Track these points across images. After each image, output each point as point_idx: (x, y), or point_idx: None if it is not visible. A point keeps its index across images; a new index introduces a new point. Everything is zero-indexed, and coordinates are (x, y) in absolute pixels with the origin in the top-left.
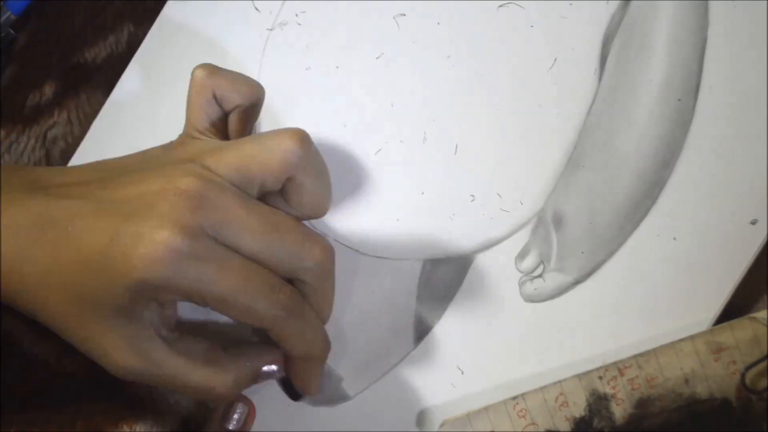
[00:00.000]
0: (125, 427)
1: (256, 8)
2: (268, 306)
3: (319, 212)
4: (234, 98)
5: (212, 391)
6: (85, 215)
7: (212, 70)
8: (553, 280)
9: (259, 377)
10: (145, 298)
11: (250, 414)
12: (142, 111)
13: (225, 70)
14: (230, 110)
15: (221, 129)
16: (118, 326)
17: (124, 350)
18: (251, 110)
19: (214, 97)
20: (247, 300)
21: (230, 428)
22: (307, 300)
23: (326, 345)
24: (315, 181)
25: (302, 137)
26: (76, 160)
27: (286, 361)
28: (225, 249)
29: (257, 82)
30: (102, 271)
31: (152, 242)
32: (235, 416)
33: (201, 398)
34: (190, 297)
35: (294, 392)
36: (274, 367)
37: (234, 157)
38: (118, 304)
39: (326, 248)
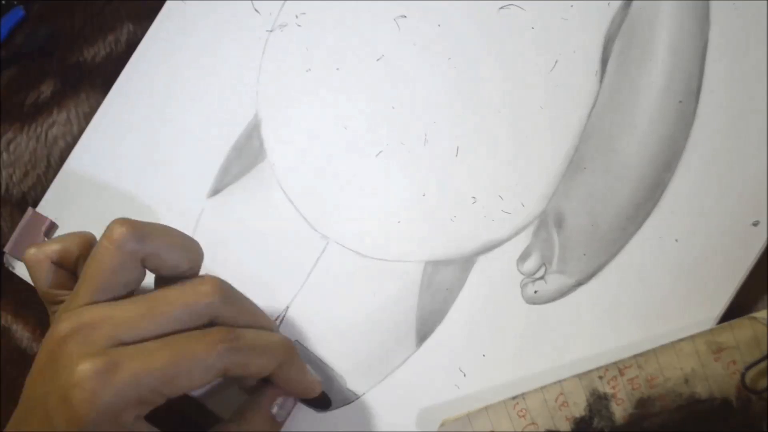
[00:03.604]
0: None
1: (256, 10)
2: (213, 356)
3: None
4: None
5: None
6: None
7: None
8: (554, 282)
9: (276, 417)
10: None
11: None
12: (141, 110)
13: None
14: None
15: None
16: None
17: None
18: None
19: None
20: (188, 364)
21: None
22: (235, 326)
23: (282, 347)
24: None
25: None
26: (74, 158)
27: (277, 387)
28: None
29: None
30: None
31: (78, 384)
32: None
33: None
34: (145, 401)
35: (316, 403)
36: (279, 400)
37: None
38: None
39: (212, 282)
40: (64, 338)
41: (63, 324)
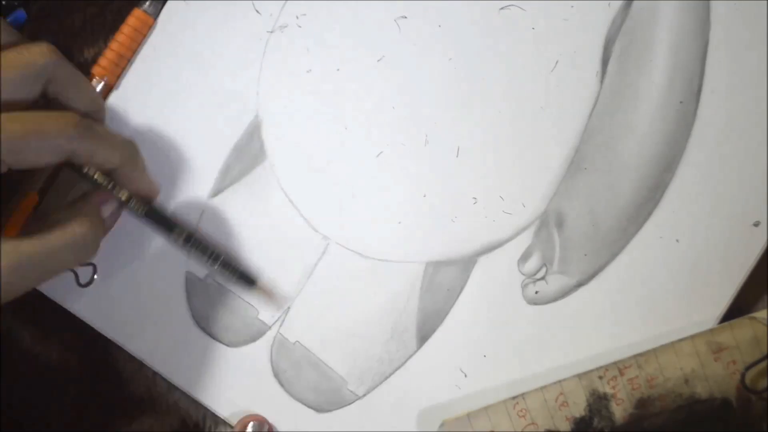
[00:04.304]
0: (125, 427)
1: (257, 10)
2: (64, 136)
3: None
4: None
5: (82, 244)
6: None
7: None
8: (555, 282)
9: (106, 221)
10: None
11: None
12: (142, 112)
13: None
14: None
15: None
16: None
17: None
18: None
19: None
20: (38, 140)
21: None
22: (73, 103)
23: (129, 143)
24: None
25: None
26: None
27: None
28: None
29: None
30: None
31: None
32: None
33: (80, 259)
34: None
35: (240, 279)
36: (113, 204)
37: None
38: None
39: (46, 44)
40: None
41: None
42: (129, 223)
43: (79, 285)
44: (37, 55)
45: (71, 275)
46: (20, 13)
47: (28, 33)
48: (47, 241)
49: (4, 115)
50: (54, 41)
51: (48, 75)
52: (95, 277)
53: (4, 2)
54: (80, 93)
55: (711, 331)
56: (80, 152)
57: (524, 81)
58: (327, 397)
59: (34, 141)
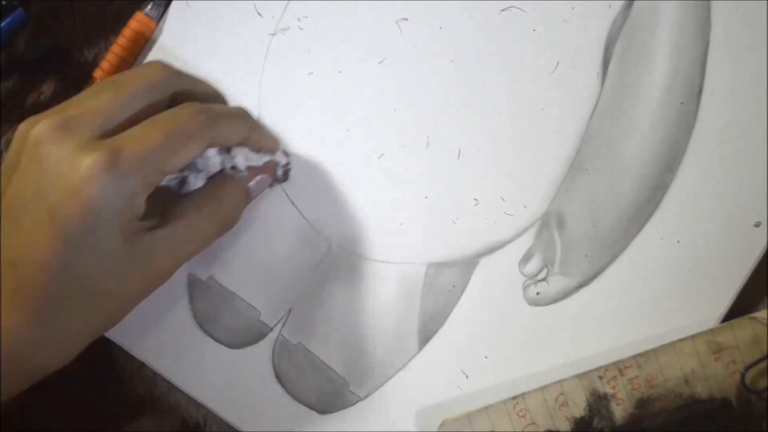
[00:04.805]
0: (125, 427)
1: (259, 13)
2: (199, 125)
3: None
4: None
5: (226, 222)
6: None
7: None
8: (556, 283)
9: (251, 190)
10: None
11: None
12: None
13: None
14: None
15: None
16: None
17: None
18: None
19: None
20: (180, 138)
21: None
22: (197, 97)
23: (245, 111)
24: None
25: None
26: None
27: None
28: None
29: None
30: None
31: (88, 177)
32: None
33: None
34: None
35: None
36: (258, 177)
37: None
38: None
39: (159, 62)
40: (46, 137)
41: (43, 123)
42: None
43: None
44: (159, 70)
45: None
46: (20, 13)
47: (28, 33)
48: (195, 222)
49: (140, 129)
50: (54, 41)
51: (171, 89)
52: None
53: (4, 2)
54: (200, 89)
55: (711, 331)
56: (217, 135)
57: (525, 82)
58: (329, 399)
59: (177, 140)
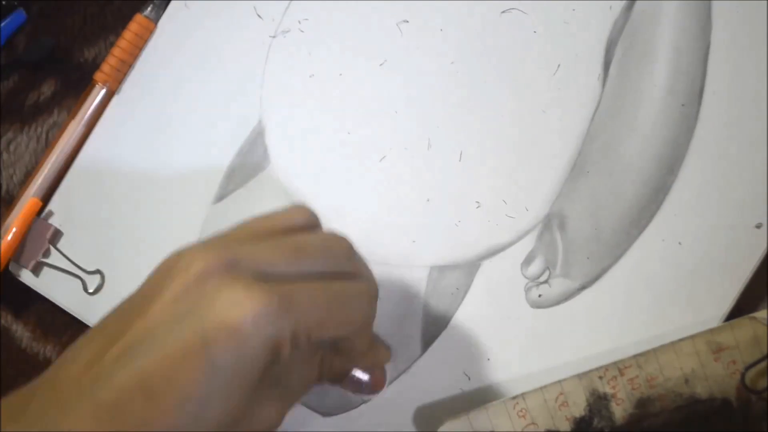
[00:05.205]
0: None
1: (259, 15)
2: (364, 305)
3: None
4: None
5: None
6: None
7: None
8: (558, 285)
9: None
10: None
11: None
12: (145, 117)
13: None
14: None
15: None
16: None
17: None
18: None
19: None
20: (341, 310)
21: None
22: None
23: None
24: None
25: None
26: (78, 164)
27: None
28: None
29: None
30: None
31: (250, 317)
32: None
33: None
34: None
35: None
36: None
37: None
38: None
39: (348, 240)
40: (209, 272)
41: (206, 258)
42: (135, 230)
43: (87, 293)
44: (344, 249)
45: (79, 283)
46: (20, 13)
47: (28, 33)
48: None
49: (313, 289)
50: (54, 41)
51: (348, 270)
52: (103, 284)
53: (4, 2)
54: (366, 274)
55: (711, 331)
56: (368, 322)
57: (526, 84)
58: (333, 401)
59: (338, 310)
